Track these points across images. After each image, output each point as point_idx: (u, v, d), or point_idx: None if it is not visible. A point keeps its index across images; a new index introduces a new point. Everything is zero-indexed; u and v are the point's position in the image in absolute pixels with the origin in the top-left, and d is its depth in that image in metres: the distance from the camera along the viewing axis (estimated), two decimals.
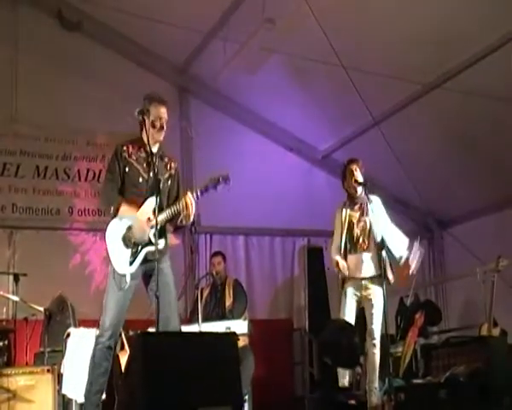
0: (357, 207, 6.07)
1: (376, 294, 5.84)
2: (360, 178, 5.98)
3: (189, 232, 7.84)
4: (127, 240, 4.50)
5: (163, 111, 4.61)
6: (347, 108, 7.83)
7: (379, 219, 5.88)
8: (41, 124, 7.80)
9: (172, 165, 4.73)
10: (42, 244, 7.48)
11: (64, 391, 5.71)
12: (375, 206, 5.93)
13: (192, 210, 4.48)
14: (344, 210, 6.10)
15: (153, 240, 4.42)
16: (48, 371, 5.58)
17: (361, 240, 5.97)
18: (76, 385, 5.60)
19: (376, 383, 5.74)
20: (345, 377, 6.01)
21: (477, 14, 6.18)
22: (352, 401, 5.98)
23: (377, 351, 5.77)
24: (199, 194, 4.50)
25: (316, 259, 8.48)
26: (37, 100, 7.79)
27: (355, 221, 6.04)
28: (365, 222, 5.99)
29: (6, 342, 5.93)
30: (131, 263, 4.46)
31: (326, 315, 7.75)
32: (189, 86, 8.73)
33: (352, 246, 5.99)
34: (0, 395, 5.30)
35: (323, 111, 8.27)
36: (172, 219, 4.56)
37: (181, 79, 8.66)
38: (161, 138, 4.64)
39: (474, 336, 6.78)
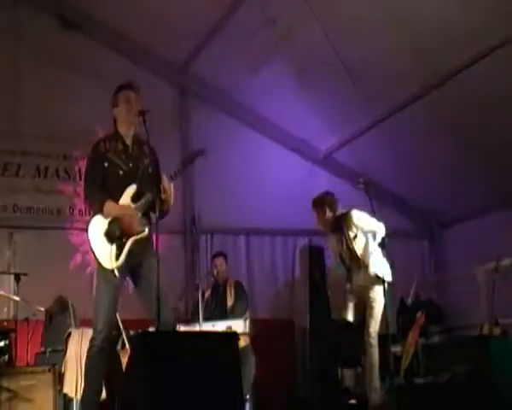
0: (337, 235, 6.16)
1: (375, 295, 5.88)
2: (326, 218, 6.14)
3: (189, 232, 7.88)
4: (111, 234, 4.43)
5: (131, 93, 4.64)
6: (349, 108, 7.83)
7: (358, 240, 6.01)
8: (41, 123, 7.80)
9: (151, 151, 4.68)
10: (43, 244, 7.48)
11: (65, 391, 5.72)
12: (351, 226, 6.02)
13: (170, 193, 4.47)
14: (332, 237, 6.21)
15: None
16: (49, 371, 5.57)
17: (353, 267, 6.07)
18: (77, 385, 5.62)
19: (376, 382, 5.74)
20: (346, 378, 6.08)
21: (477, 14, 6.18)
22: (353, 401, 5.98)
23: (374, 350, 5.77)
24: (177, 173, 4.56)
25: (317, 258, 8.45)
26: (38, 100, 7.79)
27: (342, 250, 6.14)
28: (348, 249, 6.07)
29: (7, 342, 5.91)
30: (118, 256, 4.41)
31: (327, 315, 7.74)
32: (190, 86, 8.73)
33: (350, 271, 6.10)
34: (1, 394, 5.30)
35: (325, 111, 8.26)
36: (153, 206, 4.47)
37: (181, 79, 8.66)
38: (135, 119, 4.59)
39: (475, 336, 6.77)
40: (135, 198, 4.48)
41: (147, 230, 4.46)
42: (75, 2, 7.93)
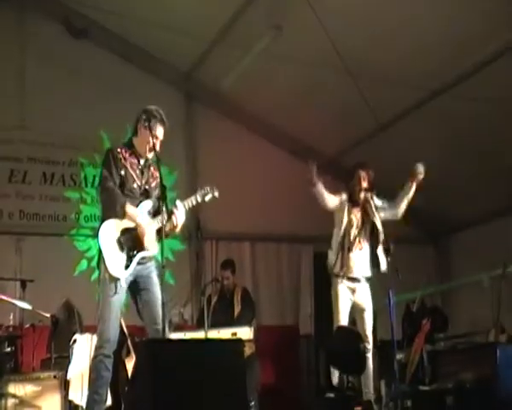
0: (358, 207, 6.16)
1: (366, 297, 5.97)
2: (365, 186, 6.13)
3: (195, 238, 7.88)
4: (123, 243, 4.44)
5: (162, 132, 4.66)
6: (354, 113, 7.83)
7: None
8: (48, 130, 7.82)
9: (156, 174, 4.68)
10: (49, 250, 7.50)
11: (71, 397, 5.72)
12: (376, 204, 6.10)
13: (180, 221, 4.53)
14: (346, 207, 6.14)
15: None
16: (54, 377, 5.60)
17: (357, 240, 6.08)
18: (82, 391, 5.61)
19: (371, 388, 5.76)
20: (334, 375, 6.06)
21: (483, 20, 6.18)
22: (358, 408, 5.96)
23: (370, 355, 5.80)
24: (187, 208, 4.61)
25: (322, 265, 8.44)
26: (45, 107, 7.82)
27: (355, 221, 6.12)
28: (365, 223, 6.11)
29: (13, 349, 5.92)
30: (127, 267, 4.43)
31: (332, 322, 7.72)
32: (195, 92, 8.76)
33: (351, 245, 6.09)
34: (7, 401, 5.31)
35: (330, 116, 8.26)
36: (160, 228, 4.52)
37: (187, 84, 8.68)
38: (150, 156, 4.64)
39: (481, 343, 6.76)
40: (150, 214, 4.54)
41: (157, 249, 4.47)
42: (81, 9, 7.96)
